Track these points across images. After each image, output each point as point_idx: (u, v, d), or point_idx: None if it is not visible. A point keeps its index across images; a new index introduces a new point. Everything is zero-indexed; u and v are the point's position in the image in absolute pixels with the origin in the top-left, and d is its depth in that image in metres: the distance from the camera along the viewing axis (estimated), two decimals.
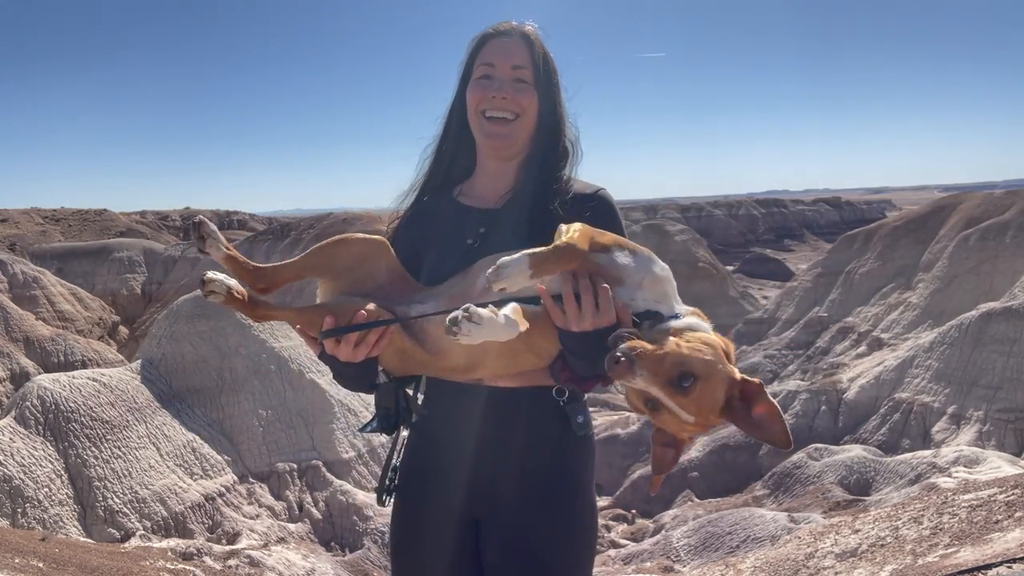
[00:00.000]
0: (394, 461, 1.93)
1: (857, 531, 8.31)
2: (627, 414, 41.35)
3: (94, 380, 25.32)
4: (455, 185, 2.07)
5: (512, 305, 1.51)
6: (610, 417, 39.54)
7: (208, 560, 19.23)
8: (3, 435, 21.53)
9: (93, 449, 22.97)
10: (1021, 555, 5.09)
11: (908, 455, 29.00)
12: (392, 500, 1.96)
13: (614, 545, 28.41)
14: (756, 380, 1.43)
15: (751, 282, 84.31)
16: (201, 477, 24.89)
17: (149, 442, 24.65)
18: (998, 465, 23.70)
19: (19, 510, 20.20)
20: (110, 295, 62.81)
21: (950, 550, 6.26)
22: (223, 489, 25.00)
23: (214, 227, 1.61)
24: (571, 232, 1.55)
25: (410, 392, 1.86)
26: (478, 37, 1.98)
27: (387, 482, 1.92)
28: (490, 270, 1.48)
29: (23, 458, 21.29)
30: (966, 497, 7.86)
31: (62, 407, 23.26)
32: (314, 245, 1.75)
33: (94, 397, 24.36)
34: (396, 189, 2.12)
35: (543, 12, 2.03)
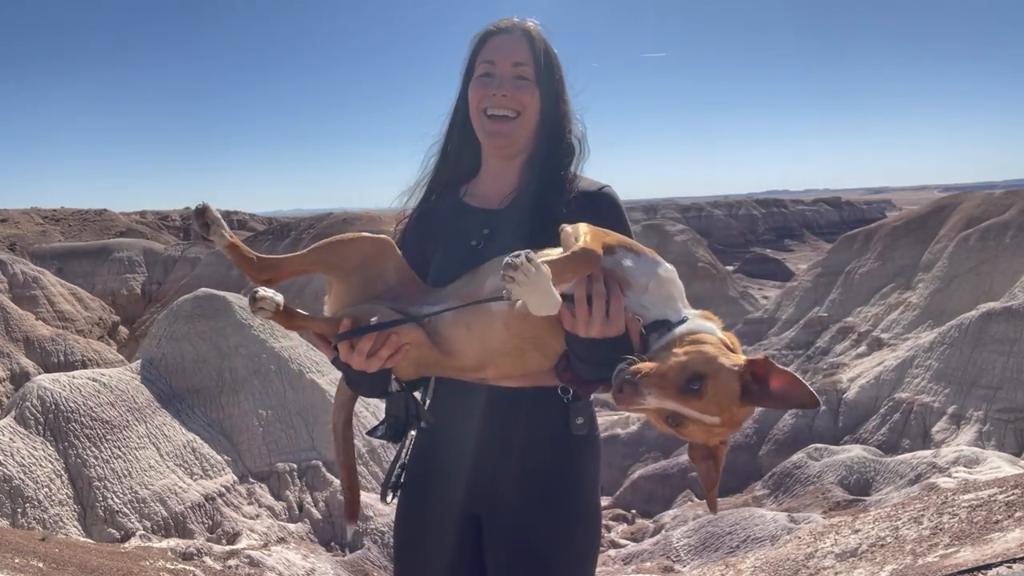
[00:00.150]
0: (402, 459, 1.92)
1: (857, 531, 8.30)
2: (627, 414, 41.35)
3: (94, 380, 25.31)
4: (461, 185, 2.06)
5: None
6: (610, 417, 39.53)
7: (208, 560, 19.23)
8: (3, 435, 21.53)
9: (93, 449, 22.97)
10: (1021, 555, 5.09)
11: (908, 455, 28.98)
12: (396, 498, 1.95)
13: (614, 545, 28.39)
14: (761, 356, 1.40)
15: (751, 282, 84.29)
16: (201, 477, 24.88)
17: (149, 442, 24.64)
18: (998, 465, 23.69)
19: (19, 510, 20.19)
20: (110, 295, 62.82)
21: (950, 550, 6.26)
22: (223, 489, 24.99)
23: (217, 214, 1.57)
24: (582, 236, 1.52)
25: (417, 396, 1.83)
26: (479, 34, 1.97)
27: (392, 479, 1.91)
28: (502, 274, 1.47)
29: (23, 458, 21.29)
30: (966, 497, 7.86)
31: (62, 407, 23.25)
32: (319, 242, 1.71)
33: (94, 397, 24.36)
34: (397, 189, 2.11)
35: (544, 10, 2.02)
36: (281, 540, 23.88)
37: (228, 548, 21.64)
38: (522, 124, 1.91)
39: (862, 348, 45.57)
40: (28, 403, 22.96)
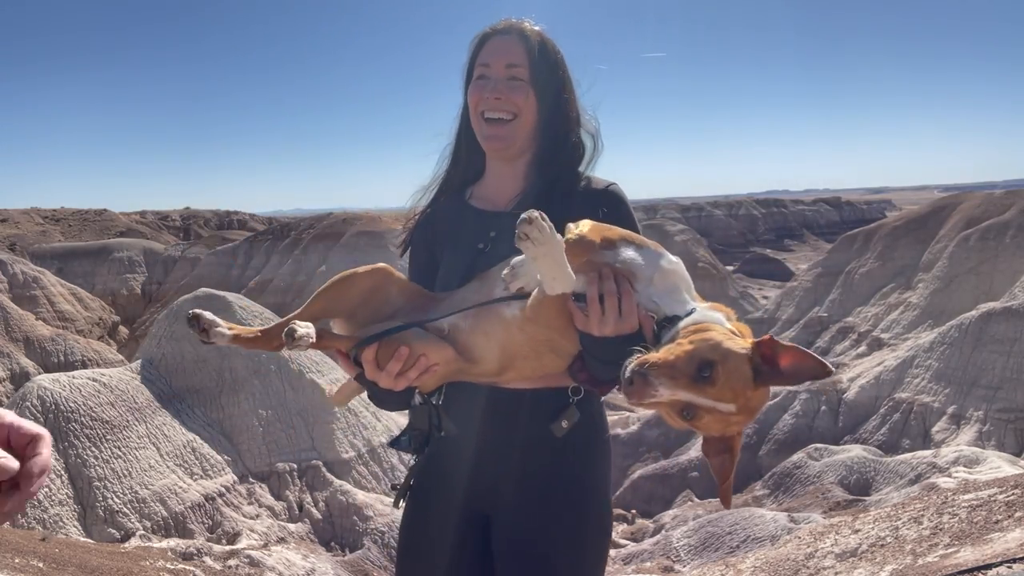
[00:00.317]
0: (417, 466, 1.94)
1: (857, 531, 8.30)
2: (627, 414, 41.36)
3: (94, 380, 25.33)
4: (468, 187, 2.06)
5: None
6: (610, 417, 39.40)
7: (208, 560, 19.23)
8: None
9: (93, 449, 22.98)
10: (1021, 555, 5.09)
11: (908, 455, 29.01)
12: (404, 503, 1.95)
13: (614, 545, 28.39)
14: (766, 336, 1.39)
15: (751, 282, 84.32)
16: (201, 477, 24.89)
17: (149, 442, 24.65)
18: (998, 465, 23.71)
19: None
20: (110, 295, 62.86)
21: (950, 550, 6.26)
22: (223, 489, 25.00)
23: (211, 316, 1.59)
24: (580, 227, 1.54)
25: (435, 404, 1.82)
26: (477, 37, 1.96)
27: (403, 484, 1.92)
28: (505, 271, 1.50)
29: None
30: (966, 497, 7.86)
31: (62, 407, 23.26)
32: (318, 289, 1.72)
33: (94, 397, 24.37)
34: (397, 189, 2.13)
35: (544, 11, 2.01)
36: (281, 540, 23.88)
37: (228, 548, 21.64)
38: (520, 126, 1.90)
39: (862, 348, 45.61)
40: (28, 403, 22.96)
